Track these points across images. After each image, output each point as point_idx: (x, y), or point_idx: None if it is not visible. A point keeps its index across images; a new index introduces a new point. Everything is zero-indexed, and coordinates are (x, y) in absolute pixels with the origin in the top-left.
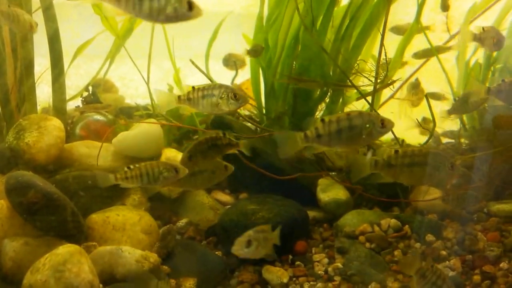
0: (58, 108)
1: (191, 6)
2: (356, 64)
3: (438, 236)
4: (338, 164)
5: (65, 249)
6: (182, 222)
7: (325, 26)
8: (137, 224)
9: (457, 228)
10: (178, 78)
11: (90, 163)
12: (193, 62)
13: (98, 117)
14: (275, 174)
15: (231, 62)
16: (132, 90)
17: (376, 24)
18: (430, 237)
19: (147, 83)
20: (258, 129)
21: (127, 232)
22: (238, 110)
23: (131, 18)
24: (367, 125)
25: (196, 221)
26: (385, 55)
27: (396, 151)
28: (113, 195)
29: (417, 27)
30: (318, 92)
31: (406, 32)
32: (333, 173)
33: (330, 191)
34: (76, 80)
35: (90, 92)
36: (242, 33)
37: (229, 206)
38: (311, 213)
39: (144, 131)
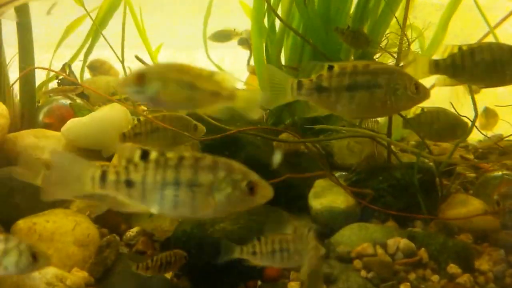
0: (26, 91)
1: None
2: (385, 38)
3: (467, 266)
4: (349, 161)
5: None
6: (132, 231)
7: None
8: (70, 233)
9: (498, 256)
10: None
11: (36, 156)
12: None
13: (65, 101)
14: (262, 171)
15: (246, 41)
16: None
17: None
18: (454, 268)
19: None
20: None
21: (55, 243)
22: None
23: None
24: (397, 86)
25: (150, 230)
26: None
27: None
28: None
29: None
30: None
31: (449, 2)
32: (338, 173)
33: (325, 197)
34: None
35: (67, 73)
36: (239, 1)
37: None
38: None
39: (99, 117)
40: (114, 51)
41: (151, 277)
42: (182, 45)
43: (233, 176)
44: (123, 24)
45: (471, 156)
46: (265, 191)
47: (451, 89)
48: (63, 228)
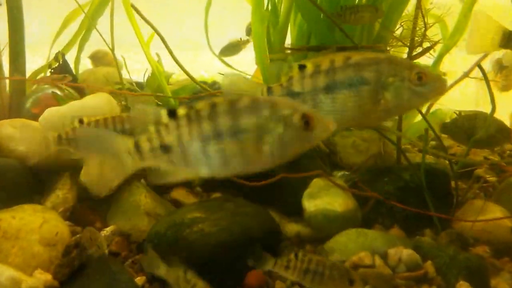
0: (16, 81)
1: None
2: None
3: (480, 285)
4: (353, 160)
5: None
6: (107, 230)
7: None
8: (36, 231)
9: None
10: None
11: (12, 147)
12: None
13: (53, 90)
14: None
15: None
16: (139, 64)
17: None
18: (464, 286)
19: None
20: None
21: (20, 241)
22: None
23: None
24: (390, 79)
25: (127, 230)
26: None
27: None
28: (34, 189)
29: None
30: None
31: None
32: (341, 173)
33: (321, 198)
34: None
35: (61, 62)
36: None
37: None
38: (294, 228)
39: (79, 105)
40: (103, 37)
41: (117, 280)
42: (188, 42)
43: (281, 112)
44: (111, 11)
45: (497, 158)
46: (324, 124)
47: (478, 87)
48: (30, 226)
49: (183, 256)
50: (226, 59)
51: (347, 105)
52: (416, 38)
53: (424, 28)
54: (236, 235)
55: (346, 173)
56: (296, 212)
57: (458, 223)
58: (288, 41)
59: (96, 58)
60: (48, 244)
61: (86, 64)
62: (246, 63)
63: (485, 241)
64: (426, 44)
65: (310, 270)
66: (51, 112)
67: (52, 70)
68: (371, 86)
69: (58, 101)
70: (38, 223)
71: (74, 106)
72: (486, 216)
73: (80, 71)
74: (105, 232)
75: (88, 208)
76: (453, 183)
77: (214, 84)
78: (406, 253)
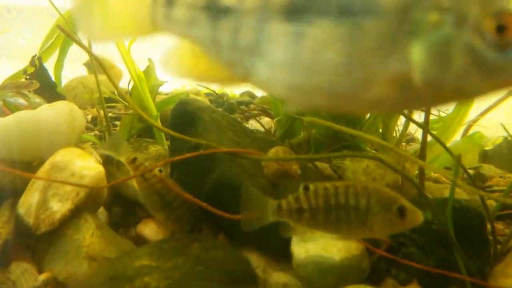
0: None
1: None
2: None
3: None
4: None
5: None
6: (40, 277)
7: None
8: None
9: None
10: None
11: None
12: None
13: (17, 99)
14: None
15: None
16: None
17: None
18: None
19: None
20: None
21: None
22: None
23: None
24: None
25: (62, 278)
26: None
27: None
28: None
29: None
30: None
31: None
32: None
33: (314, 241)
34: None
35: (38, 67)
36: None
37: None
38: (281, 279)
39: (28, 117)
40: (81, 44)
41: None
42: None
43: None
44: None
45: None
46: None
47: None
48: None
49: None
50: None
51: (323, 54)
52: None
53: None
54: None
55: None
56: (287, 256)
57: (496, 281)
58: None
59: (92, 66)
60: None
61: (82, 72)
62: None
63: None
64: None
65: None
66: None
67: (28, 77)
68: (389, 18)
69: (13, 111)
70: None
71: (21, 117)
72: None
73: (72, 79)
74: (35, 282)
75: (24, 247)
76: (489, 226)
77: (223, 96)
78: None
